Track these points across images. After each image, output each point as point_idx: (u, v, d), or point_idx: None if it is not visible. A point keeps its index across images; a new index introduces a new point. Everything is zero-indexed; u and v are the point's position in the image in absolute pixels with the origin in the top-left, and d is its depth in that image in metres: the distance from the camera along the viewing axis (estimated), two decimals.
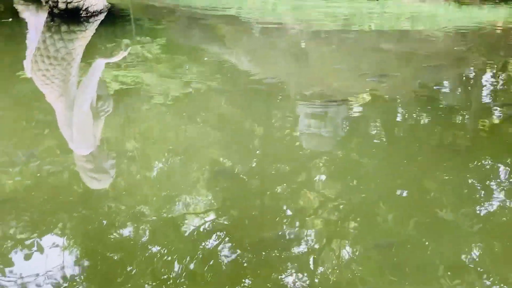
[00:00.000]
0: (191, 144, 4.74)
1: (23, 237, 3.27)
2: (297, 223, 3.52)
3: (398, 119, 5.57)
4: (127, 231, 3.37)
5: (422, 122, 5.42)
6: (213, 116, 5.42)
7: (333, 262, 3.16)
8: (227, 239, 3.32)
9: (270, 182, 4.07)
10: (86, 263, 3.07)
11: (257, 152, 4.69)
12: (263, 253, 3.18)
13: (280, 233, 3.39)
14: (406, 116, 5.61)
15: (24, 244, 3.19)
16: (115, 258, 3.12)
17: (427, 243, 3.27)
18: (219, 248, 3.23)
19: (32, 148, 4.41)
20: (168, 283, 2.91)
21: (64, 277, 2.93)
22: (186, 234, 3.39)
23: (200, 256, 3.14)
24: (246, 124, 5.31)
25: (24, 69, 6.58)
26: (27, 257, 3.09)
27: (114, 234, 3.34)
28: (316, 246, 3.30)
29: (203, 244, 3.27)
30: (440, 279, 2.97)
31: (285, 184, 4.01)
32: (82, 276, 2.96)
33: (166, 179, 4.14)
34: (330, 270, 3.08)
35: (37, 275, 2.93)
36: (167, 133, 5.00)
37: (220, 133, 5.00)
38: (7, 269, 2.97)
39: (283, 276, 2.98)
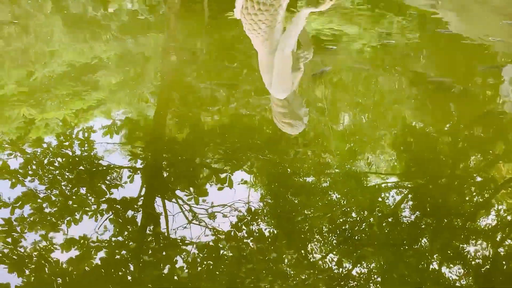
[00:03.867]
0: (382, 99, 4.68)
1: (217, 167, 3.60)
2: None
3: None
4: (309, 179, 3.52)
5: None
6: (408, 72, 5.25)
7: None
8: (409, 202, 3.29)
9: (464, 148, 3.88)
10: (269, 201, 3.30)
11: (453, 113, 4.46)
12: (445, 220, 3.11)
13: (467, 198, 3.26)
14: None
15: (219, 177, 3.52)
16: (295, 201, 3.30)
17: None
18: (399, 209, 3.22)
19: (231, 90, 4.73)
20: (344, 234, 3.00)
21: (248, 211, 3.19)
22: (366, 190, 3.43)
23: (379, 214, 3.17)
24: (444, 84, 5.06)
25: (233, 10, 6.98)
26: (220, 189, 3.42)
27: (296, 179, 3.51)
28: None
29: (381, 202, 3.29)
30: None
31: (478, 154, 3.80)
32: (263, 214, 3.19)
33: (353, 133, 4.18)
34: None
35: (224, 206, 3.23)
36: (359, 86, 4.99)
37: (414, 90, 4.84)
38: (200, 198, 3.32)
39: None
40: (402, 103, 4.65)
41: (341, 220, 3.10)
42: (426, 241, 2.95)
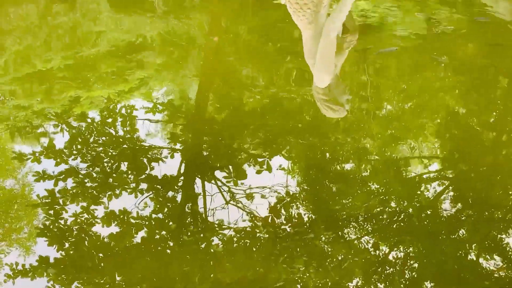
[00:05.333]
0: (427, 87, 4.58)
1: (255, 153, 3.62)
2: None
3: None
4: (348, 165, 3.49)
5: None
6: (455, 62, 5.11)
7: None
8: (450, 193, 3.23)
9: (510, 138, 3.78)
10: (305, 187, 3.30)
11: (498, 103, 4.34)
12: (486, 213, 3.05)
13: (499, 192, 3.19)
14: None
15: (257, 161, 3.52)
16: (334, 189, 3.28)
17: None
18: (439, 199, 3.17)
19: (272, 73, 4.72)
20: (381, 223, 2.98)
21: (287, 193, 3.19)
22: (406, 178, 3.39)
23: (417, 205, 3.12)
24: (489, 71, 4.90)
25: None
26: (258, 172, 3.43)
27: (335, 166, 3.49)
28: None
29: (421, 191, 3.25)
30: None
31: None
32: (301, 198, 3.19)
33: (395, 119, 4.11)
34: None
35: (263, 188, 3.24)
36: (403, 71, 4.90)
37: (460, 79, 4.73)
38: (239, 182, 3.33)
39: None
40: (447, 91, 4.54)
41: (379, 209, 3.07)
42: (464, 232, 2.90)
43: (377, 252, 2.78)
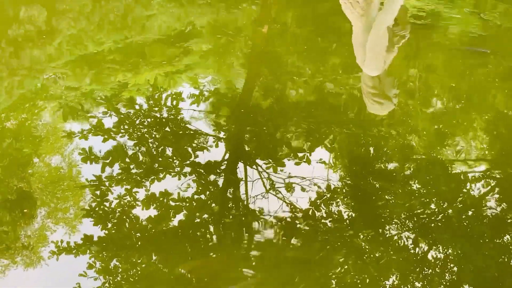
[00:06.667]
0: (477, 86, 4.47)
1: (295, 145, 3.61)
2: None
3: None
4: (392, 165, 3.44)
5: None
6: (508, 58, 4.94)
7: None
8: (495, 195, 3.15)
9: None
10: (347, 181, 3.28)
11: None
12: None
13: None
14: None
15: (297, 155, 3.51)
16: (376, 185, 3.24)
17: None
18: (484, 201, 3.09)
19: (320, 64, 4.68)
20: (422, 222, 2.93)
21: (328, 188, 3.18)
22: (450, 177, 3.32)
23: (460, 205, 3.06)
24: None
25: None
26: (297, 164, 3.42)
27: (378, 162, 3.45)
28: None
29: (465, 191, 3.18)
30: None
31: None
32: (342, 192, 3.17)
33: (442, 116, 4.03)
34: None
35: (303, 178, 3.24)
36: (453, 68, 4.78)
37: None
38: (278, 168, 3.34)
39: None
40: (498, 91, 4.41)
41: (420, 209, 3.02)
42: (510, 237, 2.82)
43: (416, 251, 2.74)
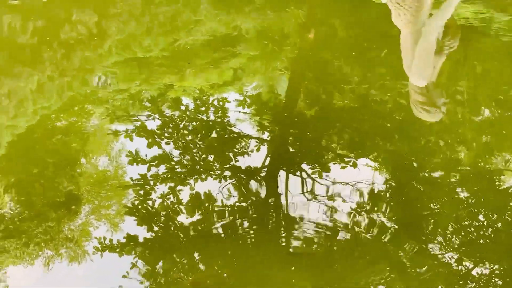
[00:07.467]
0: None
1: (341, 152, 3.57)
2: None
3: None
4: (435, 175, 3.36)
5: None
6: None
7: None
8: None
9: None
10: (391, 191, 3.22)
11: None
12: None
13: None
14: None
15: (343, 160, 3.48)
16: (422, 195, 3.17)
17: None
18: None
19: (365, 71, 4.62)
20: (469, 236, 2.86)
21: (371, 195, 3.14)
22: (499, 188, 3.22)
23: (509, 219, 2.96)
24: None
25: None
26: (343, 168, 3.39)
27: (413, 170, 3.38)
28: None
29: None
30: None
31: None
32: (386, 201, 3.12)
33: (491, 126, 3.95)
34: None
35: (346, 183, 3.21)
36: (504, 77, 4.64)
37: None
38: (323, 178, 3.32)
39: None
40: None
41: (467, 222, 2.94)
42: None
43: (461, 266, 2.66)
